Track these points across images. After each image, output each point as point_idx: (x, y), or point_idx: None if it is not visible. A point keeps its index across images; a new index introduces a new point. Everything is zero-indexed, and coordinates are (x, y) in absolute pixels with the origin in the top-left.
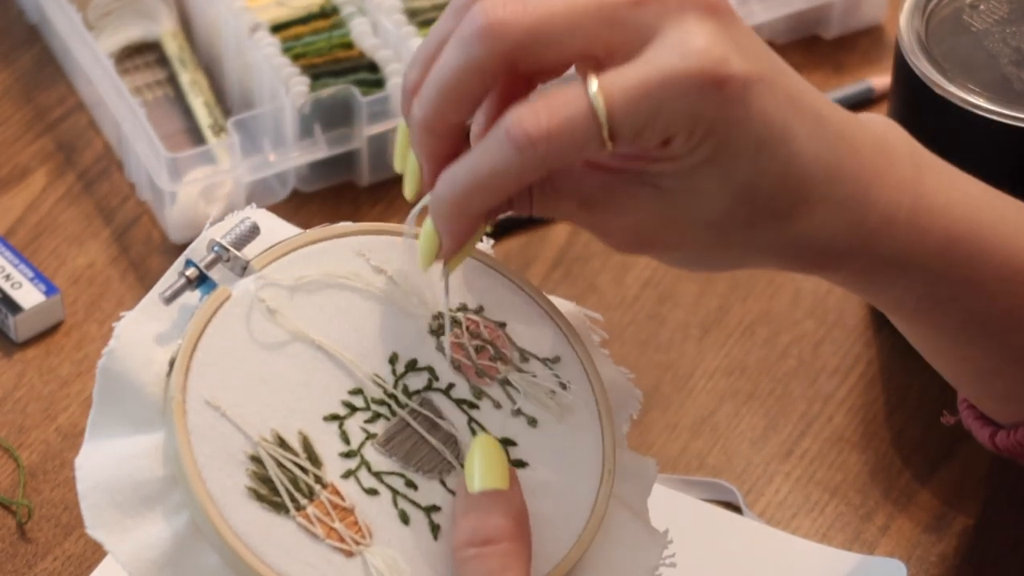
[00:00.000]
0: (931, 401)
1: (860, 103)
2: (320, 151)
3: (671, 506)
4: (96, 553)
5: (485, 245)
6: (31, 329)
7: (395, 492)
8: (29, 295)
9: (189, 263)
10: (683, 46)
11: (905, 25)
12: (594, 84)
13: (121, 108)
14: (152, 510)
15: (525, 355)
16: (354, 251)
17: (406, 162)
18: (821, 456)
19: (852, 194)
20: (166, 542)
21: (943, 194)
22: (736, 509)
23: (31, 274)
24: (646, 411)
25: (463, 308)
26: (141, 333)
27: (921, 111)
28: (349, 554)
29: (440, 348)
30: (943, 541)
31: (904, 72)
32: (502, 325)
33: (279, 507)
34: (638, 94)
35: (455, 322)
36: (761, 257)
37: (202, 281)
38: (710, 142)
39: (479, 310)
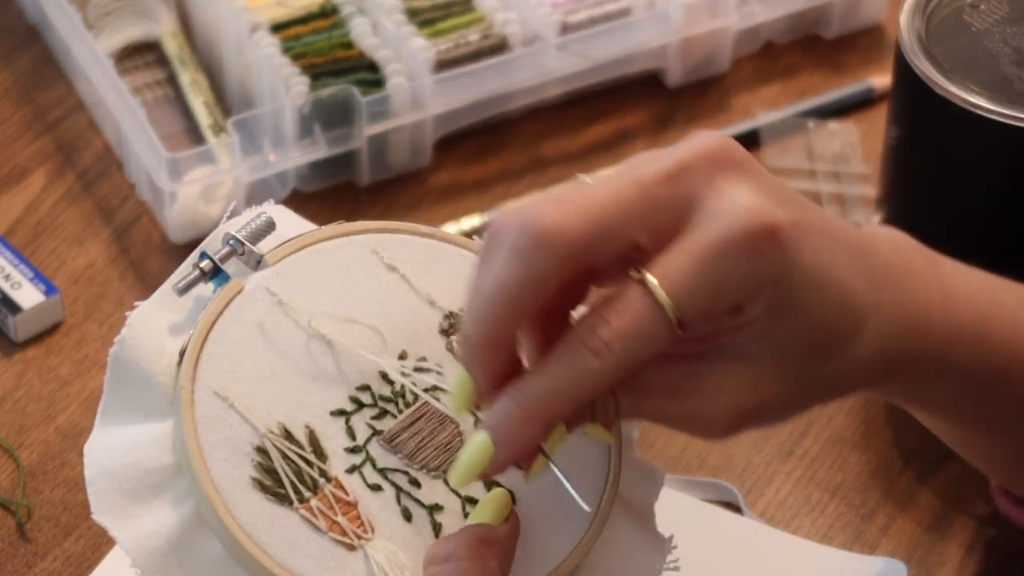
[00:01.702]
0: None
1: (860, 103)
2: (320, 151)
3: (671, 506)
4: (96, 553)
5: None
6: (31, 329)
7: (399, 489)
8: (29, 295)
9: (204, 255)
10: (725, 212)
11: (905, 25)
12: (651, 277)
13: (121, 108)
14: (158, 497)
15: None
16: (368, 248)
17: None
18: (822, 456)
19: (892, 298)
20: (171, 529)
21: (963, 281)
22: (736, 509)
23: (31, 274)
24: None
25: None
26: (154, 323)
27: (921, 111)
28: (351, 547)
29: (450, 348)
30: (944, 541)
31: (904, 72)
32: None
33: (283, 498)
34: (696, 275)
35: None
36: (834, 390)
37: (216, 274)
38: (778, 293)
39: None
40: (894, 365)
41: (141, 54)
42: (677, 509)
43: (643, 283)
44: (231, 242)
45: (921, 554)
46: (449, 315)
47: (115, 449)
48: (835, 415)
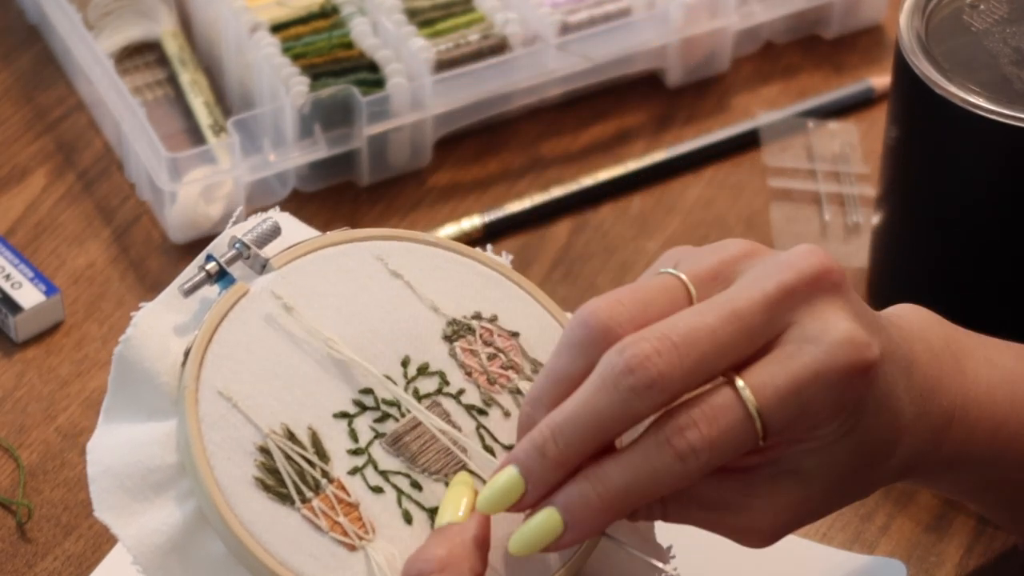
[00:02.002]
0: None
1: (860, 103)
2: (320, 151)
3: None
4: (96, 553)
5: (505, 260)
6: (31, 329)
7: (400, 492)
8: (29, 295)
9: (210, 258)
10: (825, 337)
11: (905, 25)
12: (746, 388)
13: (121, 108)
14: (160, 496)
15: (536, 365)
16: (373, 255)
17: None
18: None
19: (924, 411)
20: (173, 528)
21: (984, 381)
22: None
23: (31, 274)
24: None
25: (478, 316)
26: (159, 323)
27: (921, 111)
28: (352, 548)
29: (452, 354)
30: (943, 541)
31: (904, 72)
32: (515, 335)
33: (285, 498)
34: (789, 392)
35: (469, 329)
36: (860, 495)
37: (222, 276)
38: (853, 419)
39: (493, 319)
40: (912, 468)
41: (141, 54)
42: None
43: (735, 390)
44: (237, 245)
45: (920, 554)
46: (452, 322)
47: (118, 447)
48: None
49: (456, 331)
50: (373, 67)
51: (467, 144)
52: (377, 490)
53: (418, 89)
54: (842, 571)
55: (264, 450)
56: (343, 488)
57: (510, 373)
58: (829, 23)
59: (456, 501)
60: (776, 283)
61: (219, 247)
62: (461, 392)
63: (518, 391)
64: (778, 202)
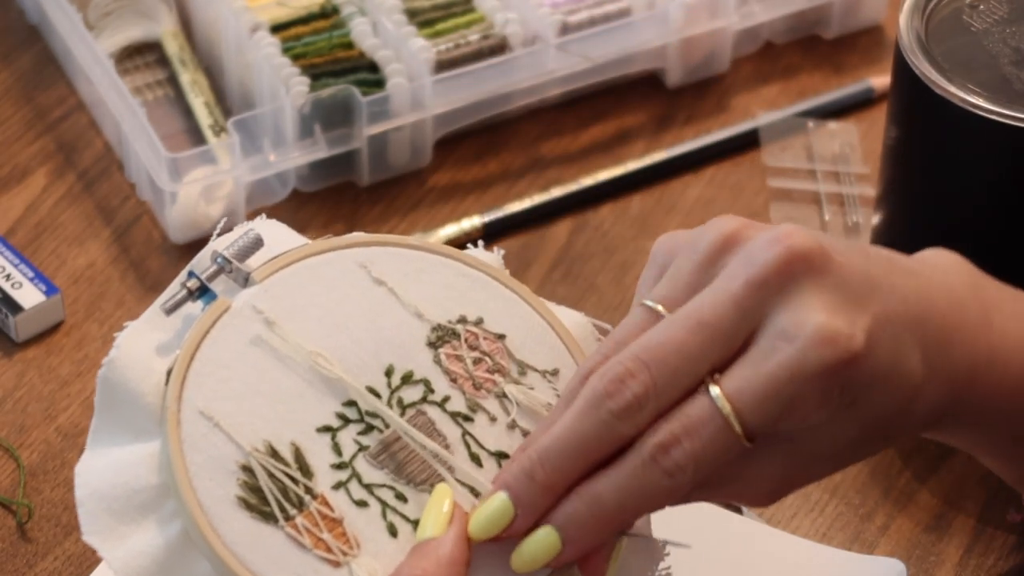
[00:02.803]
0: None
1: (860, 103)
2: (320, 151)
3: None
4: (96, 553)
5: (496, 256)
6: (31, 329)
7: (384, 504)
8: (29, 295)
9: (191, 274)
10: (799, 332)
11: (905, 25)
12: (720, 397)
13: (121, 108)
14: (146, 518)
15: (523, 367)
16: (356, 263)
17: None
18: None
19: (943, 363)
20: (158, 550)
21: (1013, 334)
22: (736, 509)
23: (31, 274)
24: None
25: (463, 320)
26: (142, 343)
27: (921, 111)
28: (336, 564)
29: (437, 360)
30: (943, 541)
31: (904, 72)
32: (501, 337)
33: (268, 517)
34: (766, 394)
35: (454, 334)
36: (877, 448)
37: (203, 292)
38: (848, 399)
39: (479, 322)
40: (937, 419)
41: (141, 54)
42: (677, 509)
43: (711, 399)
44: (219, 260)
45: (920, 554)
46: (437, 327)
47: (104, 470)
48: None
49: (441, 337)
50: (373, 67)
51: (467, 144)
52: (361, 504)
53: (418, 89)
54: (842, 571)
55: (247, 468)
56: (327, 504)
57: (496, 377)
58: (829, 23)
59: (436, 515)
60: (743, 281)
61: (201, 262)
62: (446, 399)
63: (504, 395)
64: (778, 202)
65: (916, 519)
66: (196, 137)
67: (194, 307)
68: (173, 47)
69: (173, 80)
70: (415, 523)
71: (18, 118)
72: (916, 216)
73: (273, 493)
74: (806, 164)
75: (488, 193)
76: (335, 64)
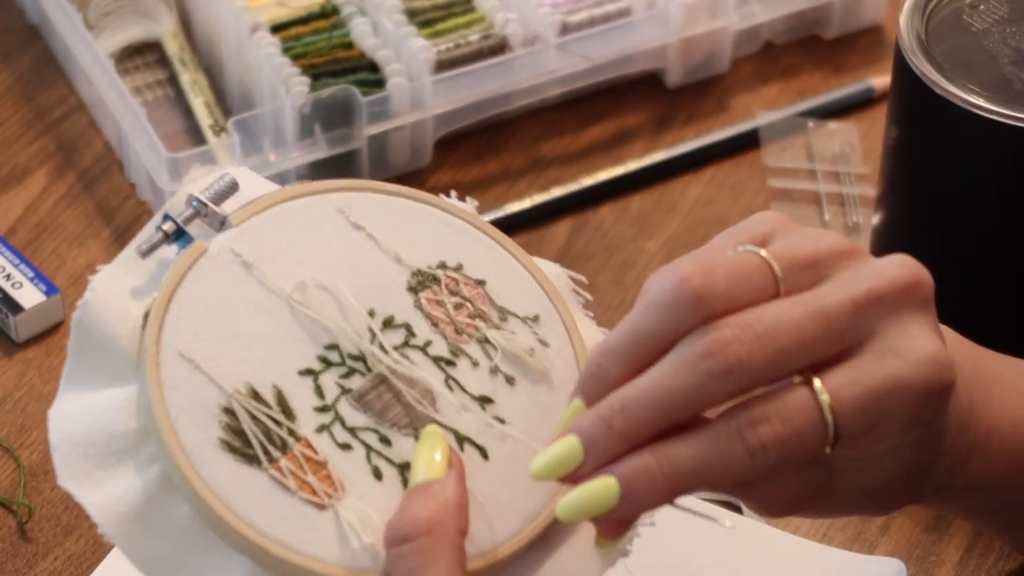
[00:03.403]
0: None
1: (860, 103)
2: (320, 151)
3: (671, 506)
4: (96, 553)
5: (470, 205)
6: (31, 329)
7: (369, 448)
8: (29, 295)
9: (167, 217)
10: (910, 353)
11: (905, 25)
12: (823, 391)
13: (121, 108)
14: (124, 463)
15: (504, 313)
16: (334, 207)
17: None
18: None
19: (956, 442)
20: (137, 495)
21: (1011, 409)
22: (736, 509)
23: (31, 274)
24: None
25: (443, 265)
26: (117, 287)
27: (921, 111)
28: (321, 507)
29: (418, 305)
30: (943, 541)
31: (904, 72)
32: (482, 283)
33: (251, 459)
34: (866, 402)
35: (434, 279)
36: (878, 512)
37: (179, 236)
38: (915, 436)
39: (459, 267)
40: (932, 493)
41: (141, 54)
42: (677, 509)
43: (812, 392)
44: (194, 204)
45: (920, 554)
46: (417, 272)
47: (79, 414)
48: None
49: (421, 282)
50: (373, 67)
51: (467, 144)
52: (345, 447)
53: (418, 89)
54: (842, 571)
55: (229, 411)
56: (310, 446)
57: (477, 322)
58: (829, 23)
59: (430, 456)
60: (867, 288)
61: (176, 206)
62: (428, 344)
63: (486, 340)
64: (778, 202)
65: (916, 519)
66: (196, 137)
67: (169, 251)
68: (173, 47)
69: (173, 80)
70: (400, 467)
71: (18, 118)
72: (916, 216)
73: (256, 435)
74: (806, 164)
75: (488, 193)
76: (335, 64)
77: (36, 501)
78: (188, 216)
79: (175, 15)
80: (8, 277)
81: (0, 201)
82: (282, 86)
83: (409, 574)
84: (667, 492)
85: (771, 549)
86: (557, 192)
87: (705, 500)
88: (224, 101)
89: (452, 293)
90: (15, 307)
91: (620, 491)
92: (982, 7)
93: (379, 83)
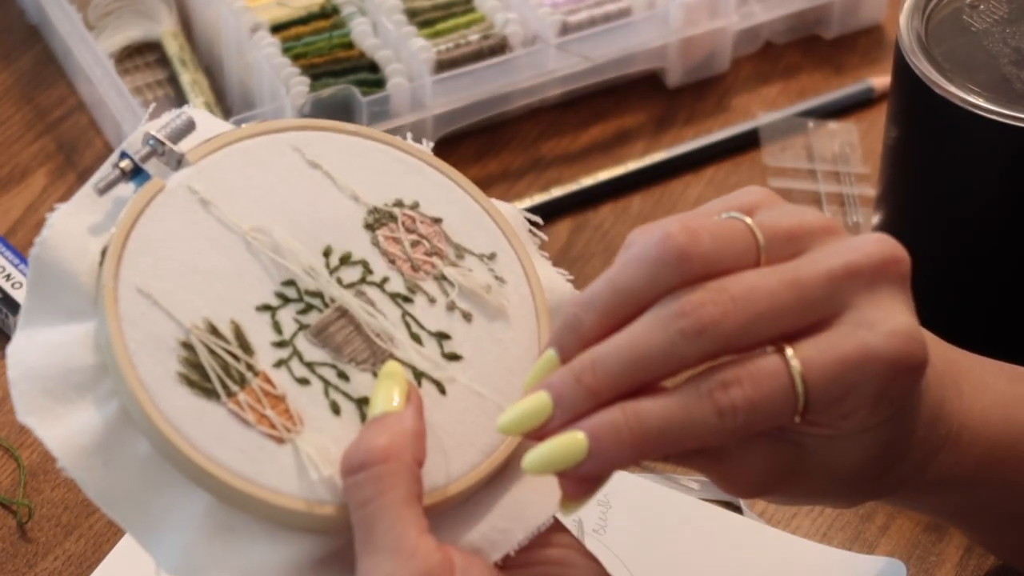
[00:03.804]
0: None
1: (860, 103)
2: None
3: (671, 506)
4: (96, 553)
5: (425, 146)
6: None
7: (326, 383)
8: None
9: (124, 155)
10: (882, 326)
11: (905, 25)
12: (794, 358)
13: (122, 108)
14: (83, 397)
15: (461, 251)
16: (290, 146)
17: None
18: None
19: (926, 434)
20: (96, 429)
21: (979, 405)
22: (736, 509)
23: None
24: None
25: (399, 203)
26: (75, 224)
27: (921, 111)
28: (280, 440)
29: (375, 242)
30: (943, 541)
31: (904, 72)
32: (438, 221)
33: (210, 393)
34: (837, 371)
35: (390, 217)
36: (846, 502)
37: (136, 173)
38: (884, 415)
39: (415, 205)
40: (899, 486)
41: (141, 54)
42: (677, 509)
43: (784, 359)
44: (151, 142)
45: (920, 554)
46: (373, 210)
47: (38, 350)
48: None
49: (378, 219)
50: (373, 67)
51: (467, 144)
52: (303, 382)
53: (418, 89)
54: (842, 571)
55: (187, 345)
56: (268, 381)
57: (434, 259)
58: (829, 23)
59: (388, 391)
60: (843, 262)
61: (133, 144)
62: (385, 280)
63: (443, 277)
64: None
65: (916, 519)
66: None
67: (126, 189)
68: (173, 47)
69: (173, 80)
70: (358, 402)
71: (18, 118)
72: (916, 216)
73: (214, 369)
74: (806, 164)
75: (488, 193)
76: (335, 64)
77: (36, 501)
78: (145, 154)
79: (175, 15)
80: (8, 277)
81: (0, 201)
82: (282, 86)
83: (365, 502)
84: (634, 449)
85: (771, 549)
86: (557, 192)
87: (705, 500)
88: (224, 101)
89: (409, 231)
90: (15, 307)
91: (588, 446)
92: (982, 7)
93: (379, 83)
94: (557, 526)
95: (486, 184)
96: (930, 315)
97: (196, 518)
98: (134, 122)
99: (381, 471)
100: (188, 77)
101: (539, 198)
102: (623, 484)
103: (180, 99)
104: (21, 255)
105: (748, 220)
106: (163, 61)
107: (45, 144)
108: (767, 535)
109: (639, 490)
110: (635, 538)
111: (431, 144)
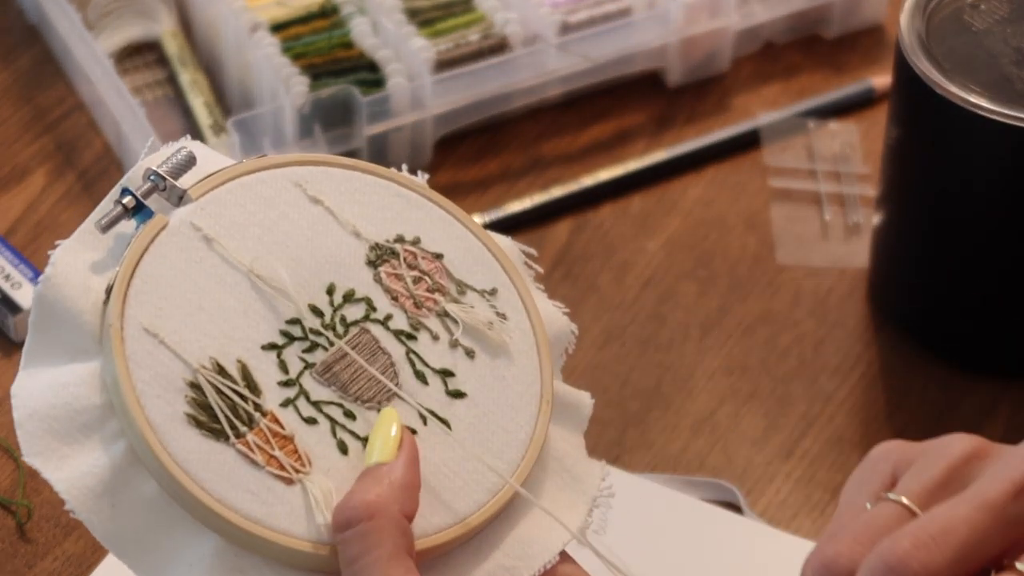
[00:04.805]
0: (931, 401)
1: (860, 103)
2: (320, 151)
3: (671, 506)
4: (96, 553)
5: (420, 179)
6: None
7: (334, 422)
8: (29, 295)
9: (125, 191)
10: None
11: (906, 25)
12: None
13: (121, 108)
14: (89, 438)
15: (462, 287)
16: (291, 181)
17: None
18: (822, 456)
19: None
20: (103, 470)
21: None
22: (736, 509)
23: (31, 274)
24: (647, 411)
25: (400, 239)
26: (78, 261)
27: (921, 111)
28: (289, 481)
29: (377, 279)
30: None
31: (905, 72)
32: (439, 256)
33: (218, 434)
34: None
35: (392, 253)
36: None
37: (139, 210)
38: None
39: (416, 241)
40: None
41: (141, 54)
42: (677, 509)
43: (1019, 573)
44: (152, 177)
45: None
46: (375, 247)
47: (43, 390)
48: (835, 415)
49: (380, 255)
50: (373, 67)
51: (467, 144)
52: (311, 421)
53: (418, 89)
54: None
55: (195, 386)
56: (277, 421)
57: (436, 296)
58: (829, 23)
59: (384, 439)
60: (1022, 473)
61: (134, 180)
62: (388, 317)
63: (445, 314)
64: (778, 202)
65: None
66: (196, 137)
67: (127, 226)
68: (173, 47)
69: (173, 80)
70: (365, 440)
71: (18, 118)
72: (916, 216)
73: (223, 410)
74: (807, 164)
75: (488, 193)
76: (335, 64)
77: (36, 501)
78: (147, 190)
79: (175, 15)
80: (7, 277)
81: (0, 201)
82: (282, 86)
83: (353, 560)
84: None
85: (771, 549)
86: (557, 192)
87: (705, 500)
88: (224, 101)
89: (411, 267)
90: (14, 307)
91: None
92: (983, 7)
93: (379, 83)
94: (564, 557)
95: (486, 184)
96: (930, 315)
97: (205, 559)
98: (133, 122)
99: (367, 528)
100: (188, 77)
101: (539, 198)
102: (623, 484)
103: (180, 99)
104: (21, 255)
105: (904, 500)
106: (163, 61)
107: (44, 144)
108: (767, 535)
109: (639, 490)
110: (635, 538)
111: (425, 178)
